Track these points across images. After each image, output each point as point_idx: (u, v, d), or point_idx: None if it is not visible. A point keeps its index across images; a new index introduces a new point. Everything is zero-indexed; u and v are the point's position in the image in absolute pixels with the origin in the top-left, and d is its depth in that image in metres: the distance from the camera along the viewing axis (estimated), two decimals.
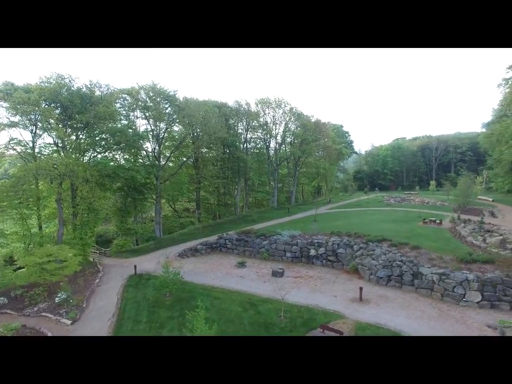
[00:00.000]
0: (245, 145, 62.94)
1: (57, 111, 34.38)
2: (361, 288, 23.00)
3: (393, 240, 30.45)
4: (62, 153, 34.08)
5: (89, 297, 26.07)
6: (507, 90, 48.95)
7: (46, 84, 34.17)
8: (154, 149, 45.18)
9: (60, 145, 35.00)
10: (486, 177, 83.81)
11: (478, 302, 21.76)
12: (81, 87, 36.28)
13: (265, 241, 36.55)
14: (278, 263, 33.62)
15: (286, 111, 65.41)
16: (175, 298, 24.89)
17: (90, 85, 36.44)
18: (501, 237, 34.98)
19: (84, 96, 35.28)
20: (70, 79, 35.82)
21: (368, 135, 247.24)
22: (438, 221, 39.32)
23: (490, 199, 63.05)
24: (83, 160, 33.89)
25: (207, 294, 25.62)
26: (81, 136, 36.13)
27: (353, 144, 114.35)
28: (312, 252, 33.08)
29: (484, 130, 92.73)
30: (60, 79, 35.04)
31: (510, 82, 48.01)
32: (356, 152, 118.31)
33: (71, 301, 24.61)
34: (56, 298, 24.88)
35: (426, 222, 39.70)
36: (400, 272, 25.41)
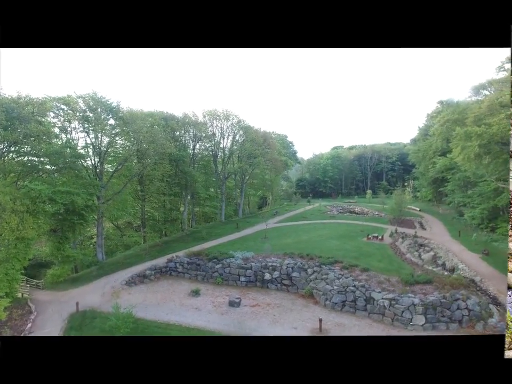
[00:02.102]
0: (193, 158, 61.15)
1: None
2: (320, 320, 23.60)
3: (344, 262, 31.93)
4: None
5: None
6: (438, 121, 55.44)
7: None
8: (96, 166, 41.37)
9: None
10: (412, 187, 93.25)
11: (422, 325, 23.78)
12: (5, 97, 31.58)
13: (218, 264, 35.71)
14: (232, 288, 33.09)
15: (234, 124, 65.23)
16: None
17: (18, 97, 31.89)
18: (432, 253, 39.10)
19: (10, 109, 30.79)
20: None
21: (308, 142, 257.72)
22: (380, 237, 42.44)
23: (418, 209, 70.13)
24: (9, 185, 29.38)
25: (162, 333, 24.05)
26: (6, 156, 31.46)
27: (297, 154, 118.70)
28: (267, 276, 33.18)
29: (410, 143, 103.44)
30: None
31: (439, 117, 54.45)
32: (299, 162, 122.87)
33: None
34: None
35: (370, 238, 42.57)
36: (354, 298, 26.69)
